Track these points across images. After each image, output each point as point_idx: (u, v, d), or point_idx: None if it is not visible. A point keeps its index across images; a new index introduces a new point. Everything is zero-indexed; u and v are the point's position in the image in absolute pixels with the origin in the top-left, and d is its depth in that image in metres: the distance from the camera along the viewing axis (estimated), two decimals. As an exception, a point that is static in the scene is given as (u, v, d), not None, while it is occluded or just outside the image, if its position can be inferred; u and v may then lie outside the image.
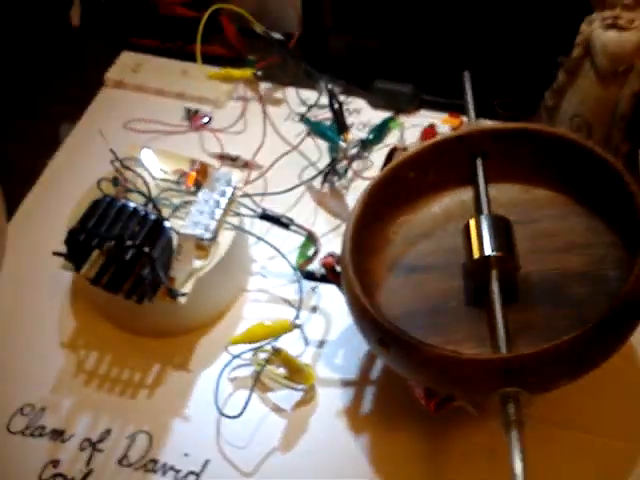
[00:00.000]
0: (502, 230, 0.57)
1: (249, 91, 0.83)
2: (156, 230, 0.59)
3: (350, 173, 0.74)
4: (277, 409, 0.63)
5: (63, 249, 0.62)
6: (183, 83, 0.84)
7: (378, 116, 0.80)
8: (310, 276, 0.63)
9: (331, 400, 0.63)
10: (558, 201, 0.61)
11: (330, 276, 0.60)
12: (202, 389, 0.64)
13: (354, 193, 0.74)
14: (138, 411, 0.64)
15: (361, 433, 0.61)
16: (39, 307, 0.70)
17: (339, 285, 0.59)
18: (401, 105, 0.80)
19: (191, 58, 0.86)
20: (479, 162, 0.62)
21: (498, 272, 0.55)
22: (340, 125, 0.71)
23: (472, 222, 0.57)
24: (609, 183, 0.57)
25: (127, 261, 0.58)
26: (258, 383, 0.63)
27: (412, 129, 0.78)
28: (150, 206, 0.63)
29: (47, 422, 0.63)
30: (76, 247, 0.59)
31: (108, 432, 0.63)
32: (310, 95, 0.82)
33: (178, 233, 0.62)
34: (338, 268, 0.59)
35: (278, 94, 0.84)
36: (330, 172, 0.74)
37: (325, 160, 0.76)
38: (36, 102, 0.86)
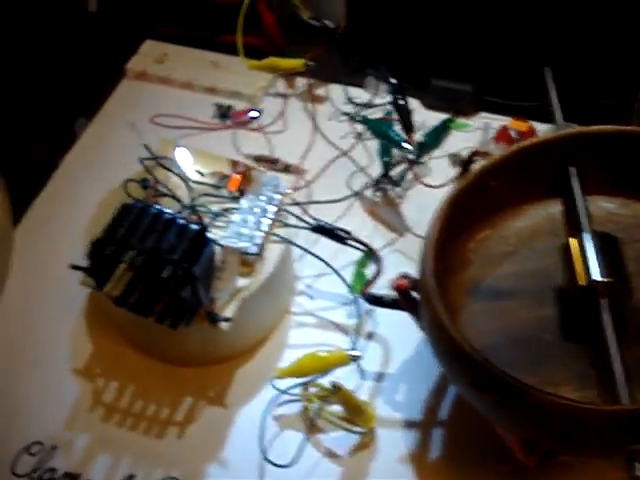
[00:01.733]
0: (610, 251, 0.48)
1: (288, 87, 0.74)
2: (198, 243, 0.49)
3: (407, 179, 0.65)
4: (330, 454, 0.54)
5: (78, 260, 0.53)
6: (214, 76, 0.75)
7: (432, 118, 0.71)
8: (377, 301, 0.54)
9: (393, 443, 0.54)
10: (666, 216, 0.53)
11: (403, 302, 0.51)
12: (242, 428, 0.55)
13: (409, 202, 0.66)
14: (166, 454, 0.55)
15: (430, 481, 0.53)
16: (49, 328, 0.61)
17: (414, 313, 0.50)
18: (459, 106, 0.71)
19: (219, 49, 0.77)
20: (573, 171, 0.53)
21: (609, 301, 0.46)
22: (406, 125, 0.62)
23: (573, 242, 0.49)
24: None
25: (164, 280, 0.48)
26: (309, 423, 0.54)
27: (473, 132, 0.70)
28: (186, 213, 0.54)
29: (58, 464, 0.54)
30: (100, 260, 0.50)
31: (131, 479, 0.53)
32: (357, 93, 0.73)
33: (222, 246, 0.52)
34: (413, 293, 0.50)
35: (320, 91, 0.74)
36: (383, 178, 0.65)
37: (376, 165, 0.67)
38: (50, 94, 0.77)
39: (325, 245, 0.61)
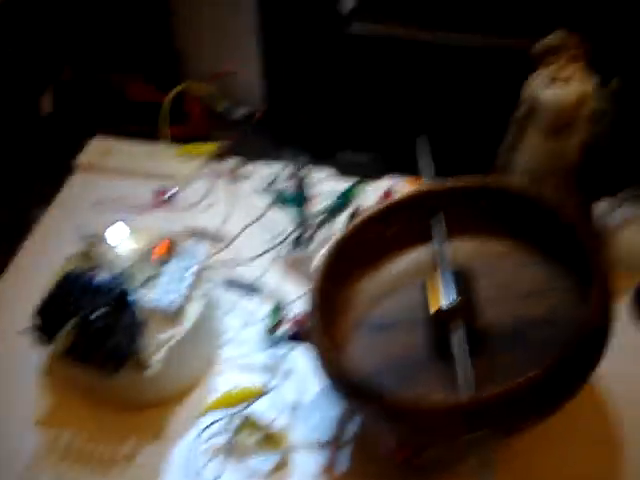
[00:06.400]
0: (461, 281, 0.58)
1: (216, 168, 0.86)
2: (122, 302, 0.60)
3: (317, 239, 0.76)
4: (253, 475, 0.63)
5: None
6: (151, 164, 0.87)
7: (344, 184, 0.82)
8: (281, 338, 0.64)
9: (306, 462, 0.63)
10: (516, 251, 0.63)
11: (301, 335, 0.61)
12: (178, 459, 0.64)
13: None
14: (114, 486, 0.63)
15: (339, 493, 0.61)
16: (12, 387, 0.70)
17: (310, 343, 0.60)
18: (365, 173, 0.82)
19: (159, 140, 0.89)
20: (437, 218, 0.64)
21: (459, 322, 0.56)
22: (302, 194, 0.73)
23: (430, 276, 0.59)
24: (561, 230, 0.59)
25: (95, 333, 0.58)
26: (232, 451, 0.63)
27: (376, 194, 0.81)
28: (117, 280, 0.64)
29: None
30: (48, 321, 0.60)
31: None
32: (277, 168, 0.84)
33: (146, 305, 0.63)
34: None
35: (244, 169, 0.86)
36: (297, 239, 0.76)
37: (294, 230, 0.78)
38: (8, 188, 0.88)
39: (248, 303, 0.72)
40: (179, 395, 0.68)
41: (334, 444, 0.64)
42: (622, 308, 0.69)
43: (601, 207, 0.74)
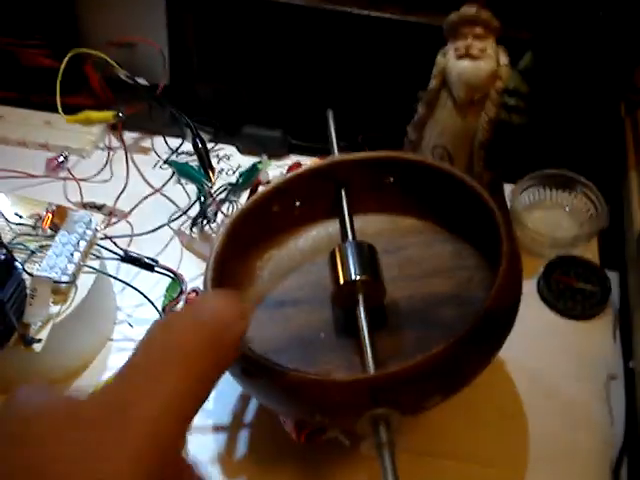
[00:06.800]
0: (366, 255, 0.56)
1: (115, 140, 0.81)
2: (5, 272, 0.55)
3: (220, 217, 0.73)
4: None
5: None
6: (46, 133, 0.82)
7: (248, 161, 0.80)
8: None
9: (203, 447, 0.60)
10: (423, 228, 0.61)
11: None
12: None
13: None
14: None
15: (236, 478, 0.58)
16: None
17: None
18: (270, 150, 0.79)
19: (56, 109, 0.84)
20: (342, 192, 0.62)
21: (362, 298, 0.54)
22: (204, 164, 0.70)
23: (336, 249, 0.56)
24: (470, 206, 0.57)
25: (-28, 305, 0.54)
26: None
27: (282, 170, 0.78)
28: (2, 250, 0.59)
29: None
30: None
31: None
32: (178, 142, 0.81)
33: (32, 276, 0.58)
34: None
35: (145, 142, 0.82)
36: (199, 216, 0.72)
37: (195, 206, 0.75)
38: None
39: (145, 279, 0.68)
40: (69, 375, 0.63)
41: (232, 428, 0.61)
42: (527, 289, 0.68)
43: (509, 189, 0.73)
